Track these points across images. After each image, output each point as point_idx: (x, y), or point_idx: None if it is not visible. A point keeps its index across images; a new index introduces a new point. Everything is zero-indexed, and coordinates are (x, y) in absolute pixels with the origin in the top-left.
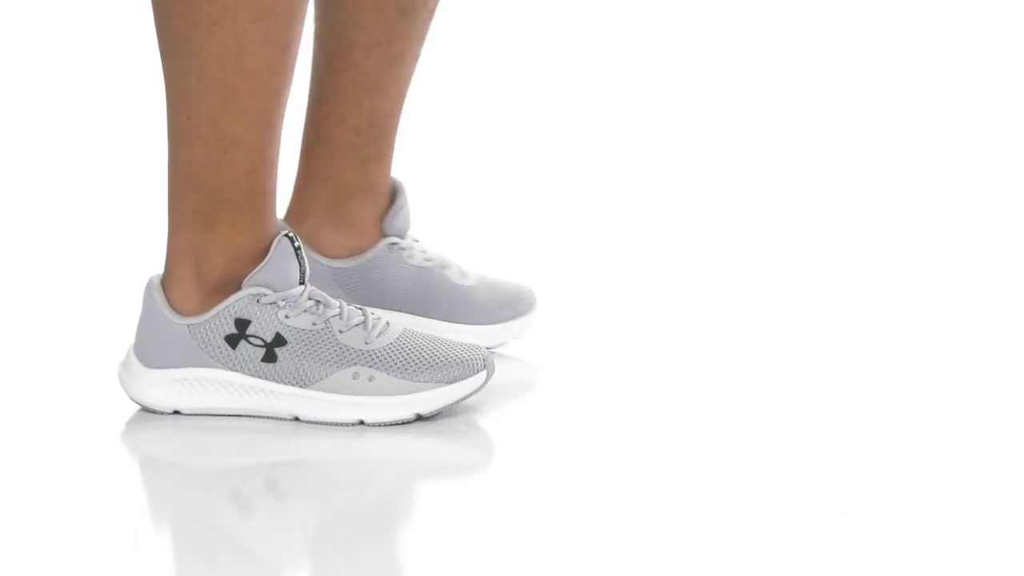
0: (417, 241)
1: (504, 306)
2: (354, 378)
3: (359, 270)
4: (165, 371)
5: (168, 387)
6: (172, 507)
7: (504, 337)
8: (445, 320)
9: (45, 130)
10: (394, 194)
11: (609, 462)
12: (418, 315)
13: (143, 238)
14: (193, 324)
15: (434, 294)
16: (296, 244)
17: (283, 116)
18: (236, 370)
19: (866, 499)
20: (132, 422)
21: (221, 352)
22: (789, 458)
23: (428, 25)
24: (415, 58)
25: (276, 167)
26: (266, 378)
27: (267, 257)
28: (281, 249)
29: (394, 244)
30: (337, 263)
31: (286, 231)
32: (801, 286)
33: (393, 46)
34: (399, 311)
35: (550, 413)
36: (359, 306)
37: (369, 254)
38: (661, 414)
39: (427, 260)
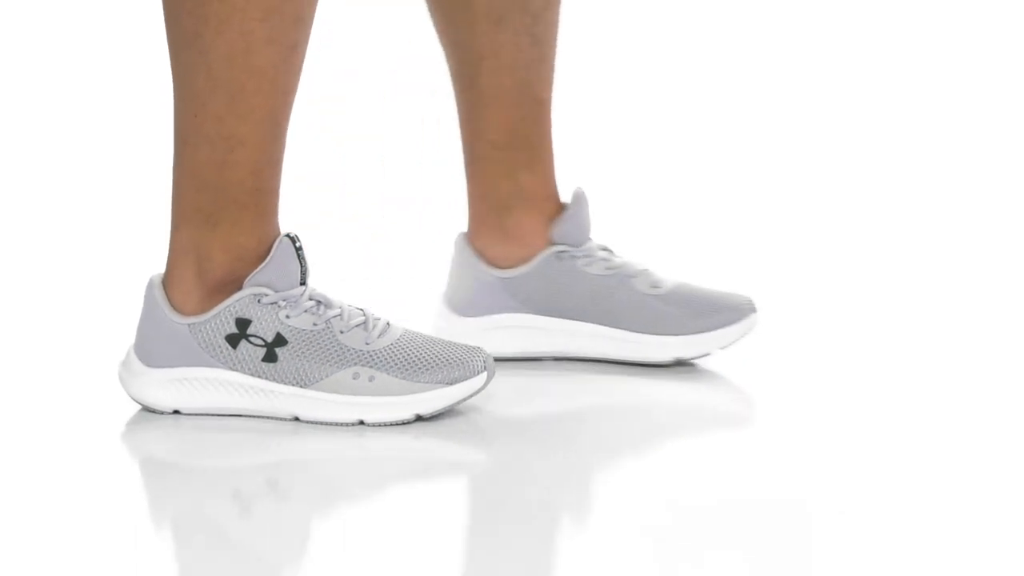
0: (606, 250)
1: (698, 316)
2: (354, 378)
3: (526, 279)
4: (165, 370)
5: (168, 387)
6: (172, 507)
7: (703, 348)
8: (630, 330)
9: (48, 129)
10: (567, 202)
11: (609, 463)
12: (600, 324)
13: (144, 238)
14: (194, 323)
15: (614, 304)
16: (298, 244)
17: (289, 117)
18: (236, 370)
19: (866, 499)
20: (132, 422)
21: (222, 352)
22: (789, 458)
23: (538, 28)
24: (536, 63)
25: (281, 167)
26: (266, 378)
27: (269, 257)
28: (282, 249)
29: (563, 252)
30: (505, 273)
31: (288, 231)
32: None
33: (500, 57)
34: (579, 320)
35: (551, 413)
36: (359, 307)
37: (534, 263)
38: (661, 415)
39: (608, 269)
